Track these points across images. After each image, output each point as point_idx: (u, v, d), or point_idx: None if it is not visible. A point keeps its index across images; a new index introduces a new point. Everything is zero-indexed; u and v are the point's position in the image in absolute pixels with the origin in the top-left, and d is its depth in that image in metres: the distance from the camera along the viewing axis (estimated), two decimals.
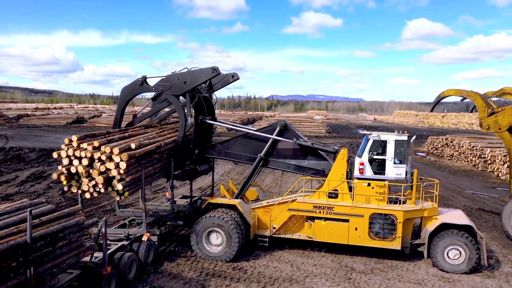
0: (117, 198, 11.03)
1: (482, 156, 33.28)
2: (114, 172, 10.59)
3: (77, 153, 10.70)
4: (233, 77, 14.09)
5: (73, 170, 10.68)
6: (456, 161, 36.92)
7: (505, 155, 27.58)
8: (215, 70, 13.05)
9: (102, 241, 9.83)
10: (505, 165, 27.65)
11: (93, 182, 10.64)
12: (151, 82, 13.79)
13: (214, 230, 12.93)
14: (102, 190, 10.75)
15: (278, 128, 14.08)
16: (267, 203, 14.06)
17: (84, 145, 10.80)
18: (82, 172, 10.57)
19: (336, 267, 12.69)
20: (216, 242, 12.96)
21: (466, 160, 35.46)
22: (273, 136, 13.99)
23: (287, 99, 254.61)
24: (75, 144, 10.92)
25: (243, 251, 13.44)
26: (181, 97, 13.69)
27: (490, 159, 32.08)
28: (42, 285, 7.86)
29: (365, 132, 14.24)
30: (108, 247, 11.48)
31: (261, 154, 14.11)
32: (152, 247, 12.50)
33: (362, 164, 13.25)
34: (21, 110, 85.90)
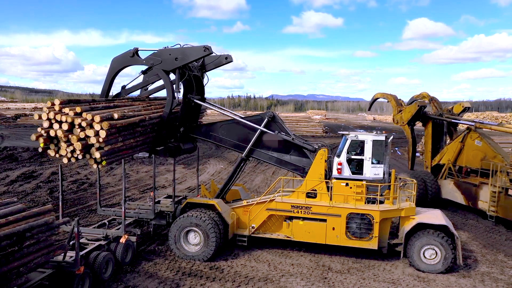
0: (94, 166, 10.88)
1: None
2: (93, 140, 10.47)
3: (58, 117, 10.55)
4: (227, 59, 13.91)
5: (52, 133, 10.59)
6: None
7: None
8: (207, 49, 12.84)
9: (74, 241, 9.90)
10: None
11: (71, 148, 10.58)
12: (143, 55, 13.61)
13: (192, 230, 13.00)
14: (80, 157, 10.65)
15: (266, 119, 13.94)
16: (247, 202, 14.13)
17: (66, 110, 10.67)
18: (61, 137, 10.48)
19: (313, 266, 12.76)
20: (194, 242, 13.04)
21: None
22: (261, 128, 13.89)
23: (287, 99, 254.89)
24: (57, 108, 10.76)
25: (222, 250, 13.52)
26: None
27: None
28: (8, 284, 7.96)
29: (343, 132, 14.29)
30: (85, 246, 11.62)
31: (243, 156, 14.14)
32: (130, 247, 12.57)
33: (340, 164, 13.30)
34: (20, 109, 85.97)
